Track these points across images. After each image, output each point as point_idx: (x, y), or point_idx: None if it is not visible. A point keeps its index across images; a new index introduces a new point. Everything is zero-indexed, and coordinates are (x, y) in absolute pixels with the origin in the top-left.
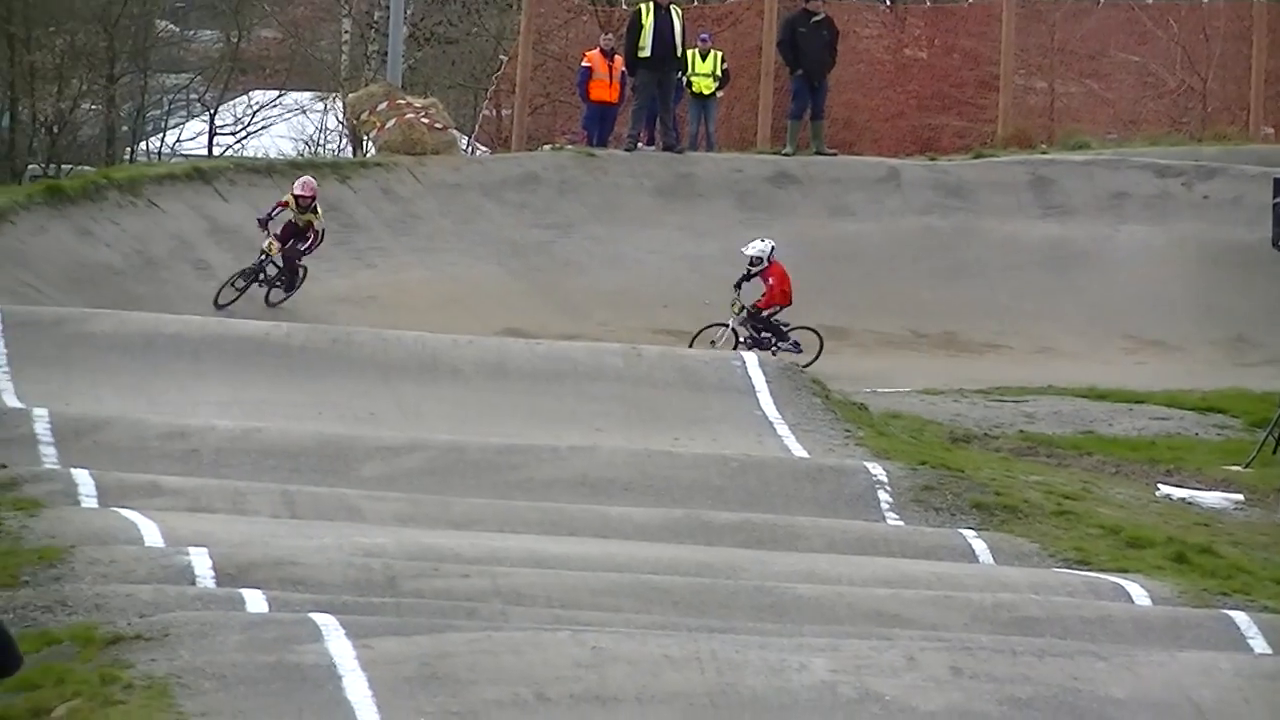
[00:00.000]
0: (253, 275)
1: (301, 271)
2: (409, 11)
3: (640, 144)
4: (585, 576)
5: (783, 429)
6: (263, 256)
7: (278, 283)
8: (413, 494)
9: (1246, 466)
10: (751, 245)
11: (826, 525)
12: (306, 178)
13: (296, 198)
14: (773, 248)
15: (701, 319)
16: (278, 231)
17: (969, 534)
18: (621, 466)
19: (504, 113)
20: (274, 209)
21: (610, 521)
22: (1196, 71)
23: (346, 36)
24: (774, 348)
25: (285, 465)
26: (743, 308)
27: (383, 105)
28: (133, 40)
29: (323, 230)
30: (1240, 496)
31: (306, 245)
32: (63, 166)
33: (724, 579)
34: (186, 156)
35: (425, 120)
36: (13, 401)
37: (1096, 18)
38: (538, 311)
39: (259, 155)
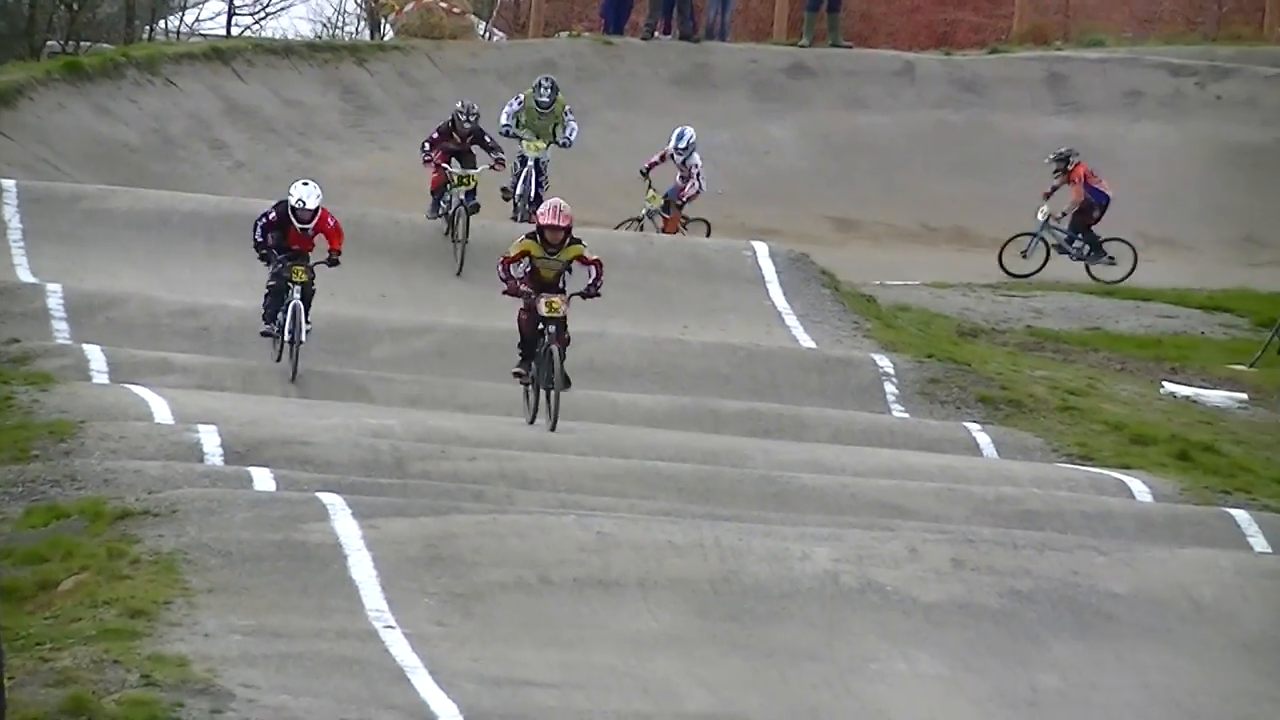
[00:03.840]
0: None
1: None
2: None
3: (657, 33)
4: (591, 461)
5: (791, 319)
6: (548, 315)
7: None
8: (421, 376)
9: (1252, 366)
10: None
11: (832, 416)
12: (555, 201)
13: (543, 234)
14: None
15: (720, 210)
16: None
17: (974, 427)
18: (629, 353)
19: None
20: (511, 267)
21: (617, 407)
22: None
23: None
24: None
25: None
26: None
27: None
28: None
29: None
30: (1244, 395)
31: (593, 281)
32: (81, 43)
33: (729, 467)
34: (205, 36)
35: (444, 4)
36: (26, 276)
37: None
38: (570, 192)
39: (277, 36)
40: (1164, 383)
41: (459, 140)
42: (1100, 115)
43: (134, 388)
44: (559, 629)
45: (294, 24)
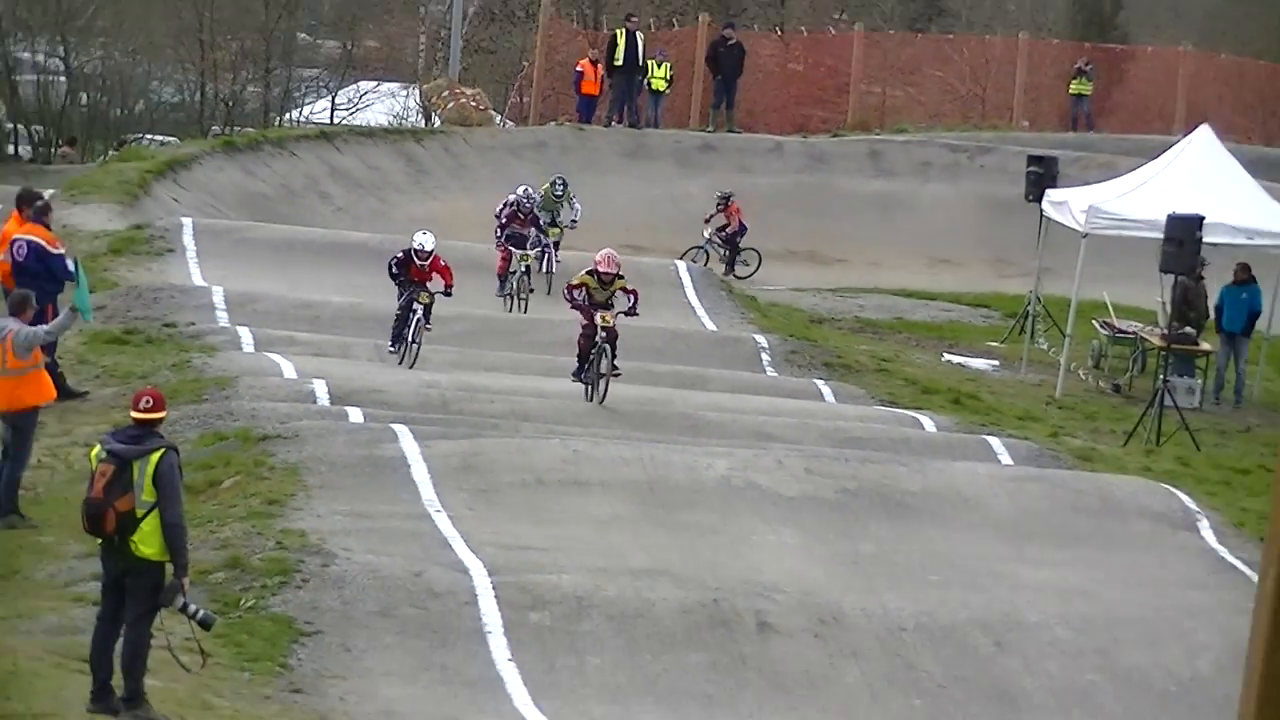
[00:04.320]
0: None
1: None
2: (465, 29)
3: (614, 123)
4: (569, 403)
5: (701, 312)
6: (601, 333)
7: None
8: (459, 348)
9: (1001, 343)
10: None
11: (728, 375)
12: (610, 251)
13: (599, 274)
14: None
15: (654, 239)
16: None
17: (819, 382)
18: None
19: (525, 99)
20: (574, 291)
21: None
22: (979, 83)
23: (423, 46)
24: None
25: (376, 328)
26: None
27: (445, 93)
28: (281, 45)
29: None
30: (997, 362)
31: (632, 305)
32: (234, 128)
33: (660, 408)
34: (315, 124)
35: (473, 104)
36: (200, 282)
37: (916, 46)
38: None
39: (363, 124)
40: (944, 354)
41: (521, 220)
42: (903, 178)
43: (270, 355)
44: (548, 513)
45: (374, 116)
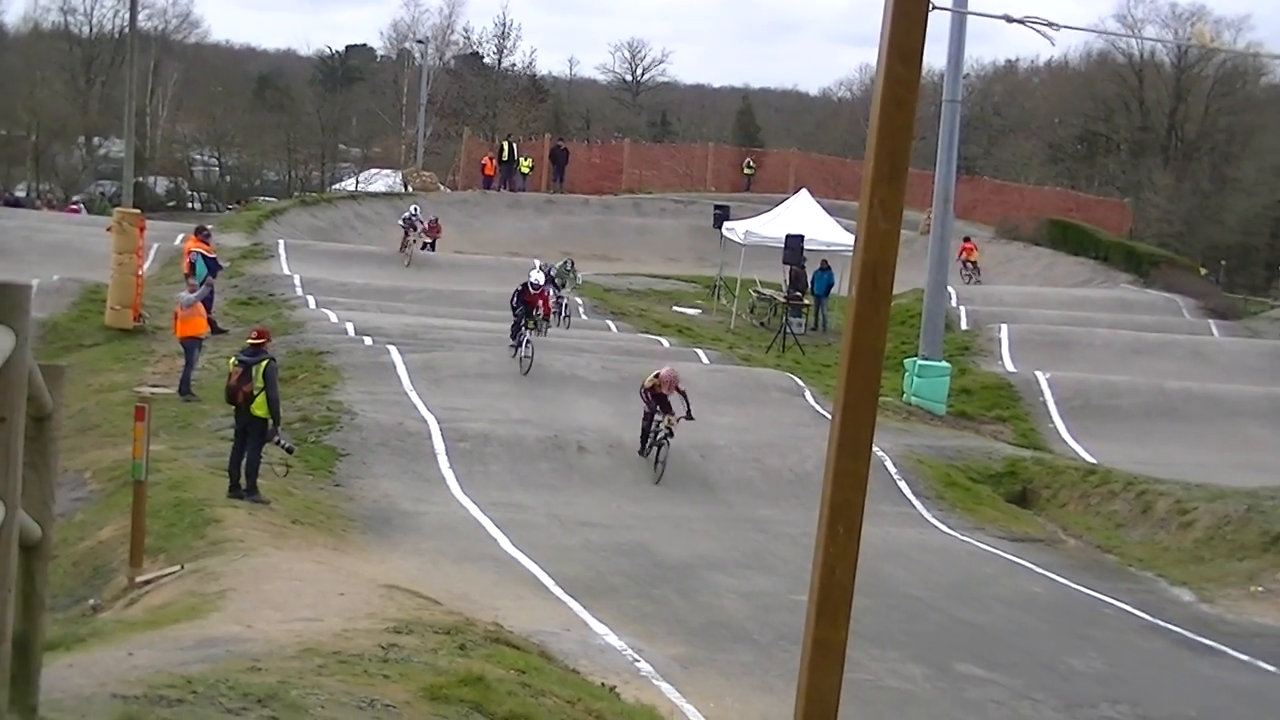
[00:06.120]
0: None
1: None
2: (425, 142)
3: (503, 189)
4: (479, 328)
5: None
6: (664, 430)
7: None
8: (422, 305)
9: (702, 301)
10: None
11: (591, 332)
12: (675, 372)
13: (662, 379)
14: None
15: (524, 249)
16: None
17: (609, 322)
18: (493, 296)
19: (456, 177)
20: (646, 394)
21: (490, 312)
22: (690, 168)
23: (403, 151)
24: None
25: (377, 296)
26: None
27: (414, 174)
28: (330, 149)
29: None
30: (700, 311)
31: (687, 410)
32: (306, 193)
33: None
34: (348, 191)
35: (428, 179)
36: (287, 272)
37: (657, 150)
38: (469, 245)
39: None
40: (673, 307)
41: (531, 297)
42: (651, 217)
43: (324, 310)
44: (469, 391)
45: (378, 186)
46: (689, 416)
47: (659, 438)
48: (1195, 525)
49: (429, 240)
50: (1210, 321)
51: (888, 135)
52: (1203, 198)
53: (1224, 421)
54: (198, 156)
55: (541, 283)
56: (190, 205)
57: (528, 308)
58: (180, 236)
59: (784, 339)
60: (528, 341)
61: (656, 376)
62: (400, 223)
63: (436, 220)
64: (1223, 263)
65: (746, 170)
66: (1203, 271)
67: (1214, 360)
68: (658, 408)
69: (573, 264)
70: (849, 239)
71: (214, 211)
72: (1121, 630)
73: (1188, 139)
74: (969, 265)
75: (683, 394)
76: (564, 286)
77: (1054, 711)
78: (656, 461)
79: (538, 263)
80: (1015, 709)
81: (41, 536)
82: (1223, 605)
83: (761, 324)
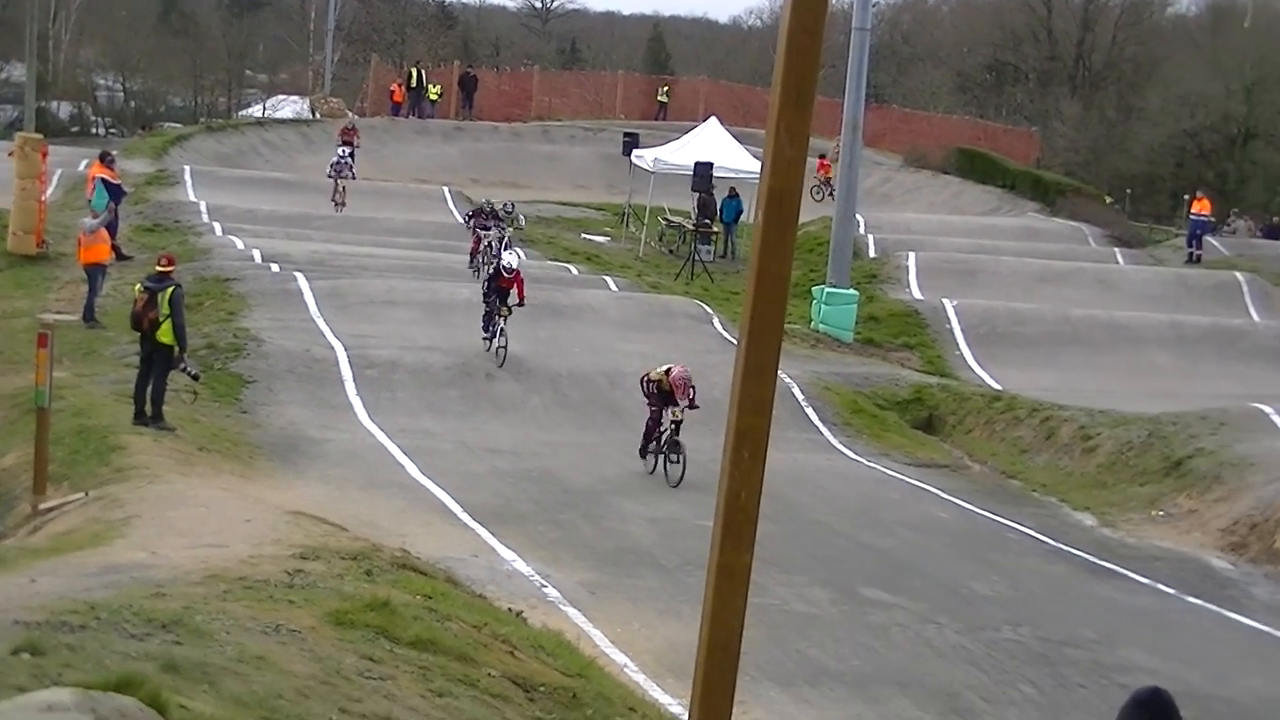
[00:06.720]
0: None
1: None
2: (334, 68)
3: (411, 116)
4: (387, 254)
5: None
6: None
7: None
8: (329, 232)
9: (611, 229)
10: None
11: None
12: (688, 375)
13: (674, 380)
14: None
15: (431, 177)
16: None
17: (519, 249)
18: (400, 223)
19: (364, 104)
20: (649, 384)
21: (398, 239)
22: (600, 96)
23: (311, 77)
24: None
25: (285, 223)
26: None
27: (322, 101)
28: (238, 76)
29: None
30: (608, 239)
31: (691, 399)
32: (211, 120)
33: (432, 263)
34: (255, 118)
35: (336, 105)
36: (193, 199)
37: (567, 77)
38: (377, 172)
39: (280, 118)
40: (582, 234)
41: (484, 216)
42: (560, 144)
43: (230, 237)
44: (376, 318)
45: (286, 113)
46: (693, 407)
47: (667, 438)
48: (1098, 451)
49: (352, 149)
50: (1116, 250)
51: (795, 61)
52: (1109, 127)
53: (1128, 348)
54: (101, 81)
55: (515, 265)
56: (94, 131)
57: (502, 293)
58: (84, 162)
59: (692, 266)
60: (501, 330)
61: (667, 374)
62: (329, 172)
63: (354, 126)
64: (1128, 192)
65: (661, 98)
66: (1108, 200)
67: (1119, 288)
68: (662, 401)
69: (514, 205)
70: (758, 166)
71: (119, 137)
72: (1024, 555)
73: (1095, 69)
74: (825, 183)
75: (692, 390)
76: (510, 228)
77: (956, 634)
78: (666, 466)
79: (508, 241)
80: (919, 632)
81: None
82: (1124, 529)
83: (670, 251)
